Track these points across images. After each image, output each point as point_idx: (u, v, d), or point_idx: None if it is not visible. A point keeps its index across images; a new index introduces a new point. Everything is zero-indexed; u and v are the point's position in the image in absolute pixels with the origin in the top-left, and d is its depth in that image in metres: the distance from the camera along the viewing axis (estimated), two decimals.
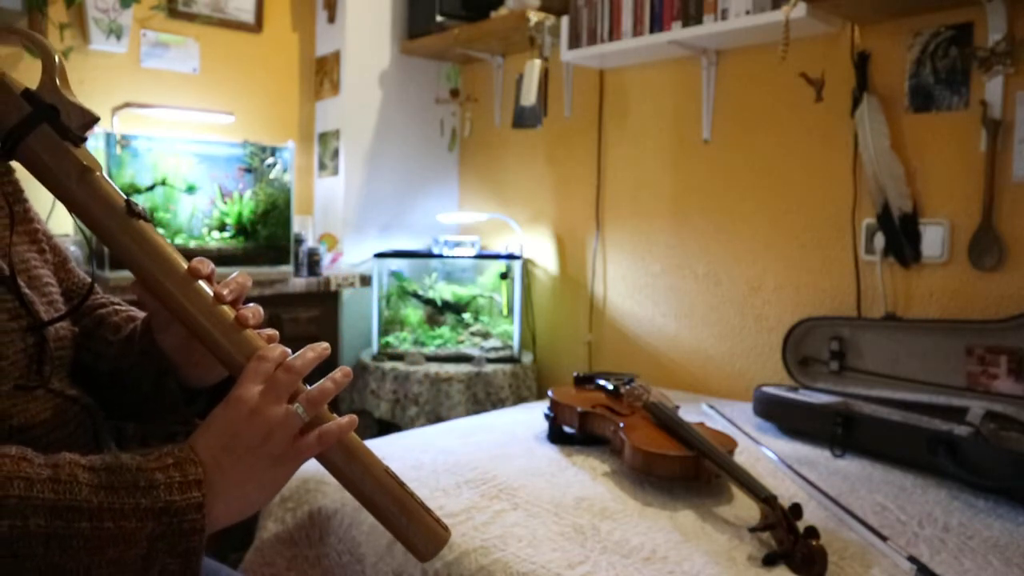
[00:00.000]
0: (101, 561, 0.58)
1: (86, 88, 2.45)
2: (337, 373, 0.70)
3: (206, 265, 0.72)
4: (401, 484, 0.71)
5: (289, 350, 0.70)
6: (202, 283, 0.71)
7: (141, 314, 0.87)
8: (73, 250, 2.19)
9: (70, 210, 0.69)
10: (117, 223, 0.69)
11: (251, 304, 0.73)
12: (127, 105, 2.46)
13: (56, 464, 0.59)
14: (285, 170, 2.47)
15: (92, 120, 0.70)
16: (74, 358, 0.82)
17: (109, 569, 0.58)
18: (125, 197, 0.70)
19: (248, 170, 2.43)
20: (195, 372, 0.81)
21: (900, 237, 1.90)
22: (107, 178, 0.71)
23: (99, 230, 0.70)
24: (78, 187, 0.68)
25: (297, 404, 0.67)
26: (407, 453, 1.61)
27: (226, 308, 0.71)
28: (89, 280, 0.91)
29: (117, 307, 0.92)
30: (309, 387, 0.69)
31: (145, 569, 0.60)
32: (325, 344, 0.72)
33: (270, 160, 2.45)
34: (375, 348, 2.65)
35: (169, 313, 0.72)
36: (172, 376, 0.80)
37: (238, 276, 0.74)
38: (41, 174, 0.68)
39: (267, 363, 0.68)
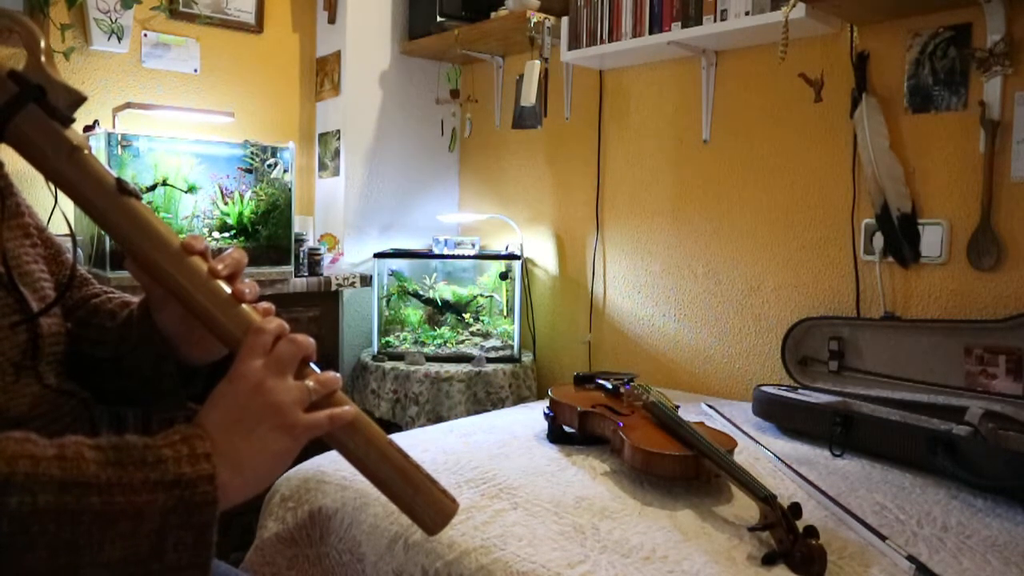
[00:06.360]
0: (113, 536, 0.57)
1: (87, 89, 2.45)
2: (328, 373, 0.70)
3: (200, 241, 0.72)
4: (406, 456, 0.70)
5: (287, 324, 0.69)
6: (196, 258, 0.70)
7: (135, 299, 0.87)
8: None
9: (61, 189, 0.69)
10: (108, 201, 0.69)
11: (247, 280, 0.72)
12: (128, 105, 2.46)
13: (61, 444, 0.59)
14: (286, 170, 2.47)
15: (79, 99, 0.70)
16: (70, 351, 0.82)
17: (122, 544, 0.57)
18: (115, 175, 0.70)
19: (249, 170, 2.43)
20: (196, 351, 0.81)
21: (899, 237, 1.91)
22: (96, 157, 0.70)
23: (90, 209, 0.69)
24: (68, 166, 0.68)
25: (308, 380, 0.66)
26: (407, 452, 1.61)
27: (221, 283, 0.70)
28: (81, 271, 0.91)
29: (110, 295, 0.92)
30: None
31: (158, 543, 0.59)
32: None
33: (271, 160, 2.46)
34: (375, 348, 2.65)
35: (164, 291, 0.72)
36: (170, 359, 0.80)
37: (233, 252, 0.73)
38: (30, 154, 0.68)
39: (265, 335, 0.66)
